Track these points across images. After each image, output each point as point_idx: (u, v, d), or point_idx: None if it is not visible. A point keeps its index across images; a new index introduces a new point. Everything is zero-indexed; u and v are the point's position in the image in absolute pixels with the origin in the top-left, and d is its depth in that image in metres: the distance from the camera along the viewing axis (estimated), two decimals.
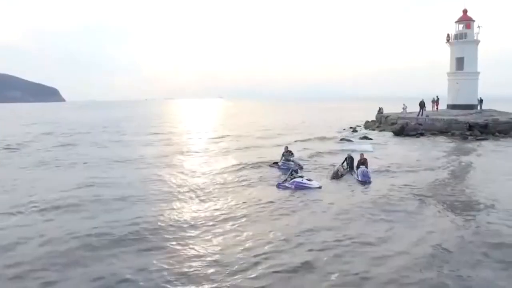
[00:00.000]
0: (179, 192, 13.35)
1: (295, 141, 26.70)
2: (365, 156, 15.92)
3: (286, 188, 13.62)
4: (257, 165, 17.98)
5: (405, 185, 13.85)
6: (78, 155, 22.51)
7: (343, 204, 11.69)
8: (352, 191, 13.52)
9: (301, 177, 14.02)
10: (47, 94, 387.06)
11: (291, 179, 13.88)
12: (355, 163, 16.06)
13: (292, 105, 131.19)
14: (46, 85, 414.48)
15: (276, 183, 14.31)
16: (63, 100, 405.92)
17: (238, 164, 18.21)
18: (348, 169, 16.08)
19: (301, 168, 16.69)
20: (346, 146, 24.60)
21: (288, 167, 16.35)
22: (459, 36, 35.75)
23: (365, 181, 14.34)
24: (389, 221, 10.14)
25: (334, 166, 16.75)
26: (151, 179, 15.45)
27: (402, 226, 9.77)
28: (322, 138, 29.32)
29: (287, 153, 17.96)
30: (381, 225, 9.84)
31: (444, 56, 41.56)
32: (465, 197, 12.55)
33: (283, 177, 14.81)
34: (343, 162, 16.43)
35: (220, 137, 31.32)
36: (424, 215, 10.61)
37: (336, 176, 15.17)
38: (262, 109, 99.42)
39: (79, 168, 18.42)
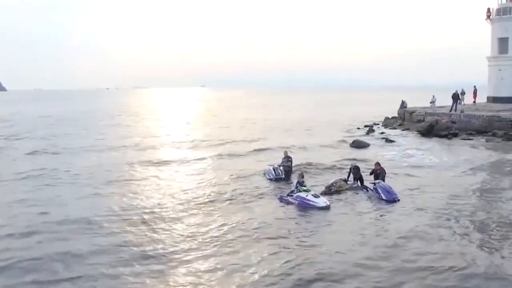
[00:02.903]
0: None
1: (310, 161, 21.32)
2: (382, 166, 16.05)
3: (289, 202, 14.08)
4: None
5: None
6: None
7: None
8: (371, 218, 12.84)
9: (307, 191, 14.13)
10: None
11: (297, 191, 14.22)
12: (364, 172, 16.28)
13: (290, 97, 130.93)
14: None
15: (279, 195, 14.82)
16: (4, 89, 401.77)
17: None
18: (354, 182, 16.07)
19: (281, 179, 17.26)
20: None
21: (268, 178, 17.48)
22: (503, 11, 35.68)
23: (393, 200, 14.08)
24: None
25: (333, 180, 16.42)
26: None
27: None
28: (333, 142, 28.73)
29: (285, 159, 18.20)
30: None
31: (483, 36, 41.43)
32: None
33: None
34: (349, 175, 16.40)
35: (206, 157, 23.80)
36: None
37: (329, 191, 15.24)
38: (254, 102, 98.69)
39: None
